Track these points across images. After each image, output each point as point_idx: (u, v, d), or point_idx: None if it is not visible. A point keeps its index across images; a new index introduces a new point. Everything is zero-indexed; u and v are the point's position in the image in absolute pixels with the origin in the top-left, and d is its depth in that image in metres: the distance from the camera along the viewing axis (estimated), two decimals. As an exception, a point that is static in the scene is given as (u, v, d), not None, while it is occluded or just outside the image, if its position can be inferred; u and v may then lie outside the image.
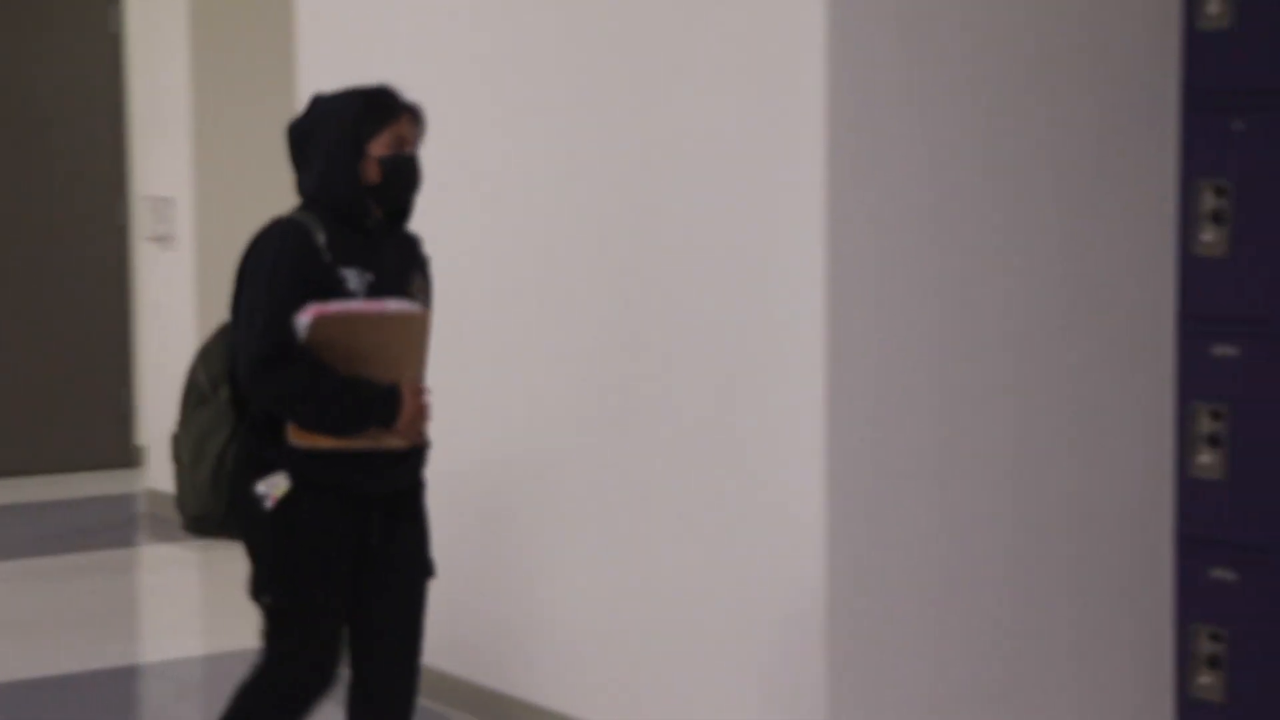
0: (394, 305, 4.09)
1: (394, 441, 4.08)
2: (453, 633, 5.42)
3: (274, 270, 4.01)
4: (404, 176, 4.18)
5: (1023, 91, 4.68)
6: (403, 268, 4.18)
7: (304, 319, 3.98)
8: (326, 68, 5.97)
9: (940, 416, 4.58)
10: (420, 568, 4.24)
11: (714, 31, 4.67)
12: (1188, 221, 4.86)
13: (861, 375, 4.47)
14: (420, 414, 4.09)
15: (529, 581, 5.36)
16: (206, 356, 4.28)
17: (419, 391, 4.10)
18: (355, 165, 4.11)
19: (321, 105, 4.20)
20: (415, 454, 4.19)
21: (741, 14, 4.59)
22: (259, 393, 4.02)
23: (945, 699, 4.66)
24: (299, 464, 4.05)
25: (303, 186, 4.19)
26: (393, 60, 5.60)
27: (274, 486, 4.04)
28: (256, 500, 4.04)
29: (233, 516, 4.17)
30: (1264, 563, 4.70)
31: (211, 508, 4.19)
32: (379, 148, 4.13)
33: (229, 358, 4.16)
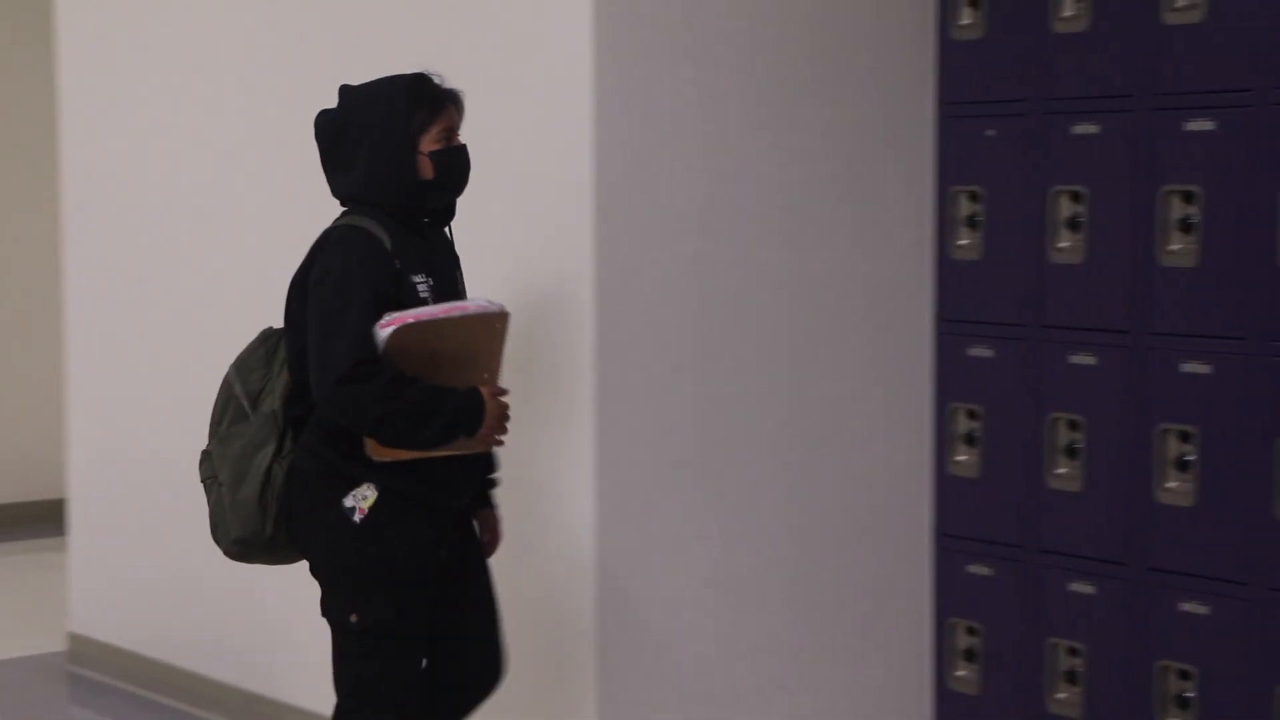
0: (474, 306, 3.88)
1: (475, 447, 3.88)
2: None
3: (347, 281, 3.76)
4: (458, 169, 3.96)
5: (785, 101, 4.75)
6: (450, 268, 3.99)
7: (384, 330, 3.73)
8: (87, 63, 5.85)
9: (708, 417, 4.64)
10: (487, 569, 4.09)
11: (478, 28, 4.67)
12: (945, 226, 4.99)
13: (631, 376, 4.50)
14: (502, 417, 3.87)
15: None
16: (243, 368, 4.02)
17: (499, 393, 3.88)
18: (411, 161, 3.88)
19: (358, 99, 3.92)
20: (486, 459, 4.02)
21: (508, 11, 4.61)
22: (345, 412, 3.74)
23: (714, 696, 4.71)
24: (380, 477, 3.82)
25: (344, 187, 3.93)
26: (148, 56, 5.51)
27: (362, 499, 3.83)
28: (342, 515, 3.81)
29: (284, 536, 3.92)
30: (1019, 558, 4.84)
31: (257, 528, 3.91)
32: (430, 141, 3.90)
33: (264, 368, 3.98)
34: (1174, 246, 4.50)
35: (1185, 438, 4.51)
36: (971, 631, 5.00)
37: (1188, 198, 4.48)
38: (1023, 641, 4.85)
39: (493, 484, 4.13)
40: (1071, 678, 4.79)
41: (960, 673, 5.03)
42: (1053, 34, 4.71)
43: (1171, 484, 4.53)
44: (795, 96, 4.78)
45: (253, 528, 3.90)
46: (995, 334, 4.90)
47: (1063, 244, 4.73)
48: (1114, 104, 4.60)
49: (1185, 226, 4.49)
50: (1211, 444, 4.46)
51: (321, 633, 3.95)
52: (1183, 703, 4.55)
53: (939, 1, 4.96)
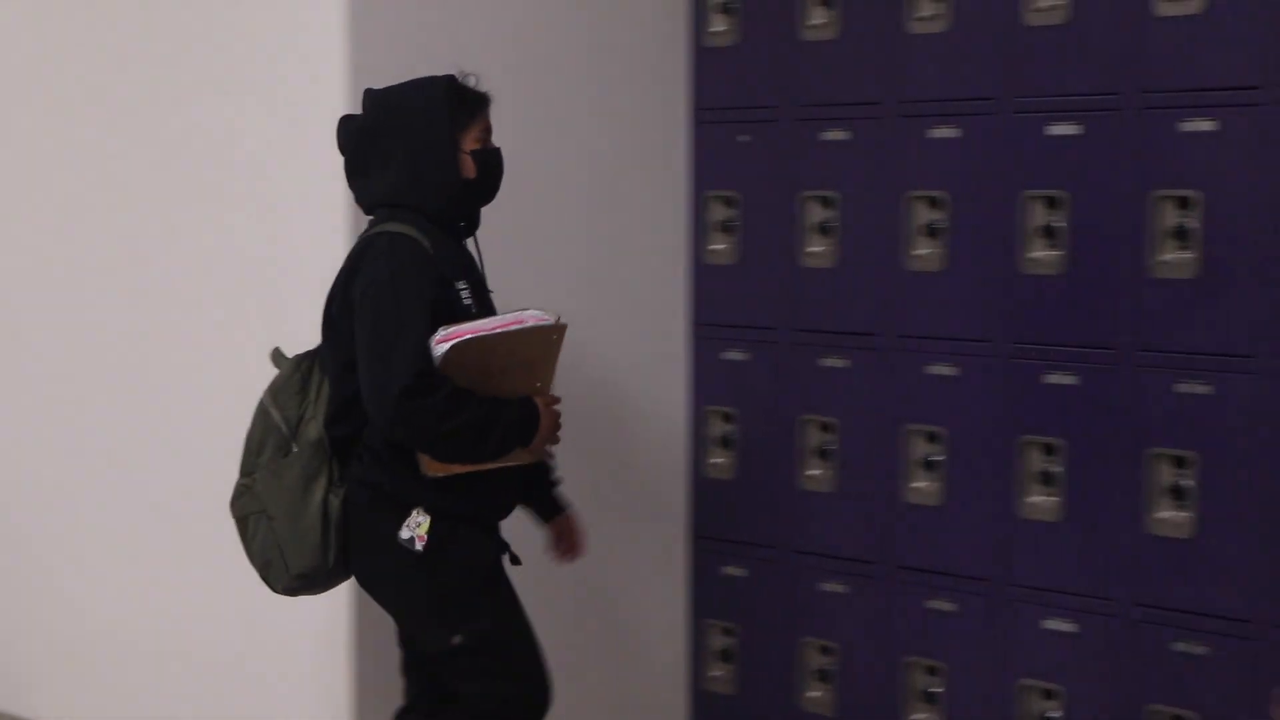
0: (532, 319, 3.77)
1: (525, 457, 3.79)
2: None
3: (401, 291, 3.65)
4: (496, 170, 3.88)
5: (538, 111, 4.75)
6: (481, 273, 3.88)
7: (442, 345, 3.62)
8: None
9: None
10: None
11: (230, 33, 4.61)
12: (699, 231, 5.04)
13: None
14: (555, 426, 3.80)
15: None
16: (279, 396, 3.84)
17: (552, 402, 3.80)
18: (454, 160, 3.77)
19: (393, 100, 3.81)
20: (529, 470, 3.90)
21: (260, 17, 4.55)
22: (408, 426, 3.61)
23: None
24: (430, 497, 3.71)
25: (378, 193, 3.81)
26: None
27: (416, 526, 3.71)
28: (402, 550, 3.69)
29: (346, 567, 3.80)
30: (773, 559, 4.89)
31: (320, 562, 3.77)
32: (471, 141, 3.81)
33: (301, 394, 3.80)
34: (921, 251, 4.59)
35: (932, 438, 4.61)
36: (727, 632, 5.04)
37: (934, 203, 4.57)
38: (777, 641, 4.90)
39: (555, 484, 4.08)
40: (823, 676, 4.86)
41: (715, 673, 5.07)
42: (803, 41, 4.78)
43: (919, 484, 4.62)
44: (548, 105, 4.78)
45: (315, 562, 3.77)
46: (749, 338, 4.95)
47: (814, 249, 4.80)
48: (863, 111, 4.68)
49: (931, 231, 4.59)
50: (958, 444, 4.56)
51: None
52: (929, 698, 4.64)
53: (691, 9, 5.01)
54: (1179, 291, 4.15)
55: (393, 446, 3.70)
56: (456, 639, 3.75)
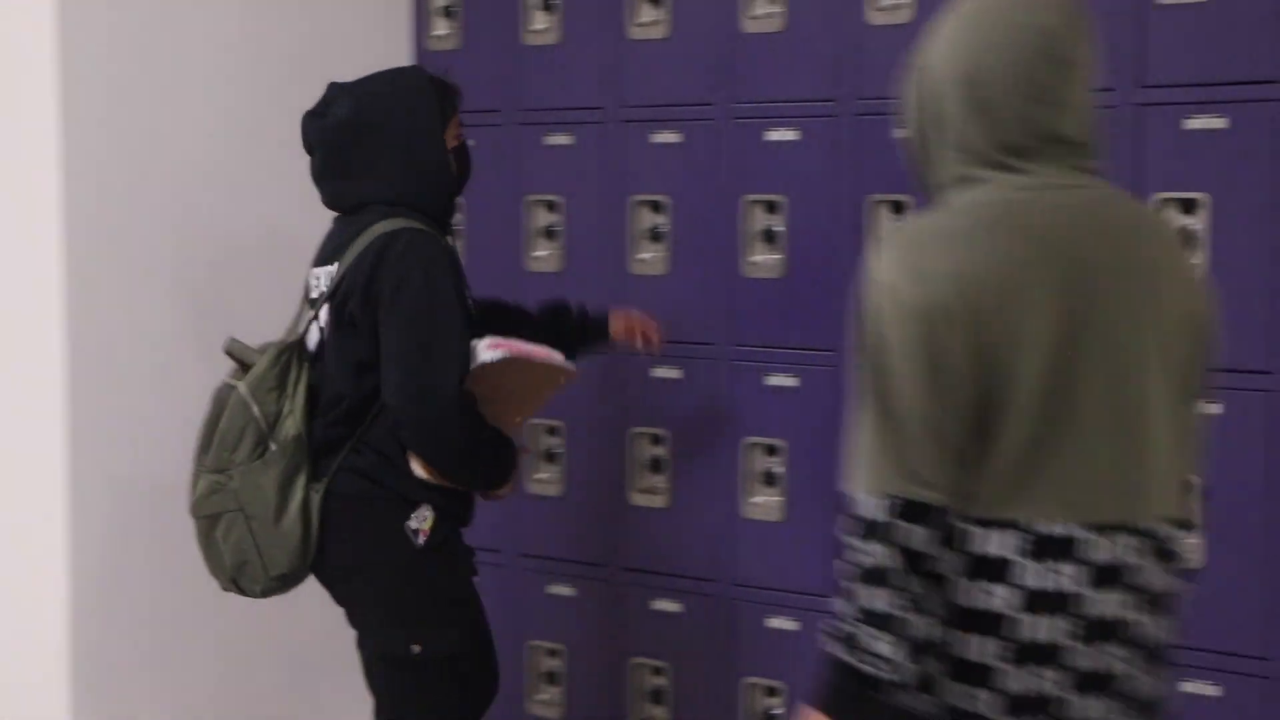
0: (558, 356, 3.71)
1: (489, 495, 3.77)
2: None
3: (440, 293, 3.53)
4: (470, 165, 3.84)
5: (269, 109, 4.71)
6: None
7: (492, 351, 3.54)
8: None
9: (181, 432, 4.54)
10: None
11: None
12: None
13: (101, 387, 4.38)
14: (518, 479, 3.81)
15: None
16: (258, 390, 3.66)
17: (525, 452, 3.77)
18: (448, 158, 3.70)
19: (378, 96, 3.68)
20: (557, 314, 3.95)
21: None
22: (440, 434, 3.53)
23: (191, 717, 4.61)
24: (435, 497, 3.63)
25: (370, 191, 3.68)
26: None
27: (423, 520, 3.61)
28: (403, 541, 3.59)
29: (326, 567, 3.70)
30: (599, 578, 4.81)
31: (299, 562, 3.66)
32: (452, 137, 3.74)
33: (279, 389, 3.65)
34: (644, 255, 4.63)
35: (656, 440, 4.65)
36: (553, 654, 4.93)
37: (656, 208, 4.61)
38: (604, 661, 4.84)
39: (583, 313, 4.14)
40: (551, 678, 4.87)
41: (542, 695, 4.98)
42: (525, 46, 4.78)
43: (643, 487, 4.66)
44: (277, 105, 4.73)
45: (296, 562, 3.66)
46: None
47: (539, 253, 4.81)
48: (585, 115, 4.70)
49: (655, 236, 4.63)
50: (681, 447, 4.60)
51: None
52: (657, 697, 4.69)
53: (413, 12, 4.99)
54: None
55: (397, 444, 3.62)
56: (416, 648, 3.66)
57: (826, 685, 2.46)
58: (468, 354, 3.56)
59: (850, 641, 2.43)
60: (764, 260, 4.44)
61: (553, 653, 4.86)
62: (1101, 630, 2.46)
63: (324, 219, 3.83)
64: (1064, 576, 2.44)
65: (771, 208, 4.42)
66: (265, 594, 3.74)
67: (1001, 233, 2.47)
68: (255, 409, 3.66)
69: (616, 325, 4.16)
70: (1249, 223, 3.75)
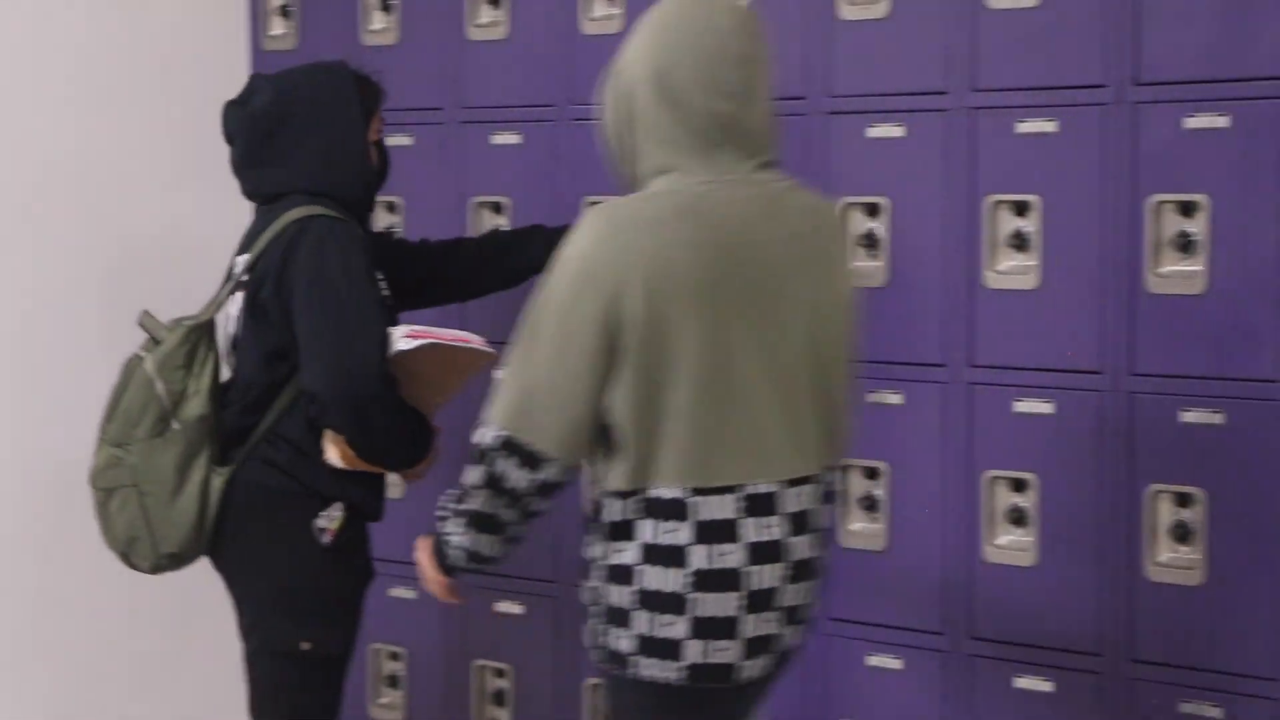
0: (477, 340, 3.67)
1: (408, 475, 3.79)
2: None
3: (356, 279, 3.56)
4: (388, 164, 3.89)
5: (107, 105, 4.69)
6: None
7: (411, 341, 3.53)
8: None
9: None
10: None
11: None
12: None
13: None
14: (435, 459, 3.77)
15: None
16: (164, 367, 3.65)
17: (438, 432, 3.75)
18: (366, 149, 3.74)
19: (299, 87, 3.72)
20: None
21: None
22: (367, 418, 3.53)
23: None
24: (348, 493, 3.65)
25: (287, 180, 3.70)
26: None
27: (331, 519, 3.59)
28: (308, 537, 3.58)
29: (213, 546, 3.69)
30: None
31: (191, 543, 3.67)
32: (374, 131, 3.78)
33: (185, 369, 3.64)
34: (486, 256, 4.62)
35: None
36: (395, 657, 4.90)
37: (497, 209, 4.61)
38: (445, 664, 4.80)
39: None
40: (393, 682, 4.85)
41: (384, 699, 4.94)
42: (364, 46, 4.75)
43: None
44: (113, 104, 4.73)
45: (187, 543, 3.67)
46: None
47: (379, 254, 4.79)
48: (424, 116, 4.68)
49: (496, 237, 4.62)
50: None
51: None
52: (499, 699, 4.68)
53: (250, 11, 4.95)
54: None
55: (313, 437, 3.62)
56: (306, 645, 3.65)
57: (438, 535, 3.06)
58: (386, 335, 3.58)
59: (442, 521, 3.04)
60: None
61: (394, 656, 4.84)
62: (719, 581, 2.89)
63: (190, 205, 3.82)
64: (680, 534, 2.88)
65: (611, 209, 4.43)
66: (155, 570, 3.75)
67: (688, 220, 2.83)
68: (160, 386, 3.67)
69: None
70: (1250, 221, 3.66)
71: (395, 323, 3.70)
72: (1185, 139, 3.69)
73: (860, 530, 4.12)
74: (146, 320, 3.76)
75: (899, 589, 4.08)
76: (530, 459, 2.90)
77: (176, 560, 3.73)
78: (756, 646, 2.95)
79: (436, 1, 4.65)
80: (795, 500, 2.97)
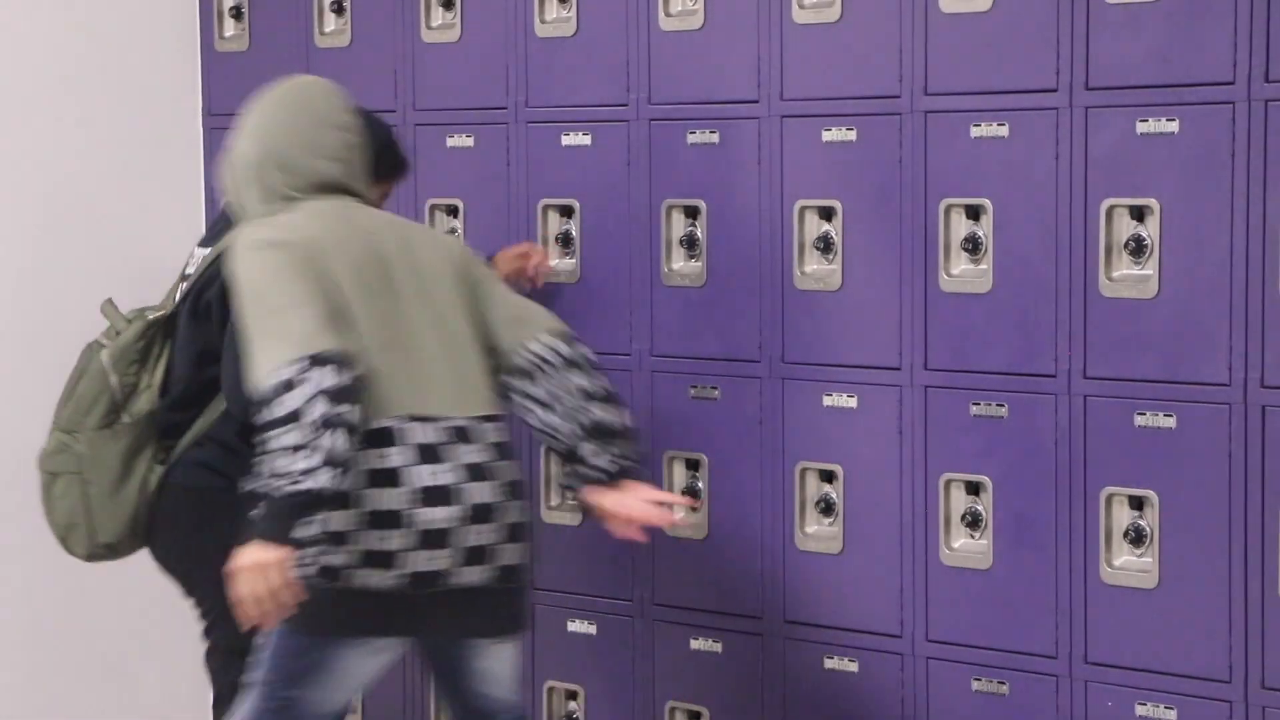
0: None
1: None
2: None
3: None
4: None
5: (62, 104, 4.70)
6: None
7: None
8: None
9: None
10: None
11: None
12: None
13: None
14: None
15: None
16: (119, 360, 3.72)
17: None
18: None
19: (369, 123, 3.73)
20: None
21: None
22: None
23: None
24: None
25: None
26: None
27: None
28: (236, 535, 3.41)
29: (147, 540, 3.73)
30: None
31: (128, 535, 3.74)
32: (377, 195, 3.88)
33: (140, 363, 3.70)
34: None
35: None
36: None
37: (452, 211, 4.59)
38: None
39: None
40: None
41: None
42: (316, 49, 4.73)
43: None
44: (63, 105, 4.72)
45: (125, 534, 3.74)
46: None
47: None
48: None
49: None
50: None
51: None
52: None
53: (201, 13, 4.94)
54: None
55: (245, 440, 3.57)
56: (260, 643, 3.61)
57: (259, 522, 3.09)
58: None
59: (274, 478, 3.07)
60: (562, 265, 4.43)
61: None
62: (431, 496, 3.28)
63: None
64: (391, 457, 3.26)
65: (567, 212, 4.42)
66: (91, 559, 3.80)
67: (330, 220, 3.36)
68: (113, 379, 3.73)
69: (503, 268, 4.20)
70: (1201, 224, 3.64)
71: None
72: (1136, 143, 3.69)
73: (815, 533, 4.12)
74: (107, 309, 3.80)
75: (855, 593, 4.08)
76: (329, 360, 3.12)
77: (112, 550, 3.78)
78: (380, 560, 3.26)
79: (389, 4, 4.63)
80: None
